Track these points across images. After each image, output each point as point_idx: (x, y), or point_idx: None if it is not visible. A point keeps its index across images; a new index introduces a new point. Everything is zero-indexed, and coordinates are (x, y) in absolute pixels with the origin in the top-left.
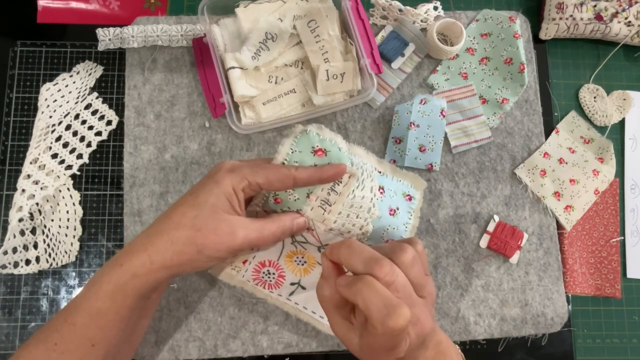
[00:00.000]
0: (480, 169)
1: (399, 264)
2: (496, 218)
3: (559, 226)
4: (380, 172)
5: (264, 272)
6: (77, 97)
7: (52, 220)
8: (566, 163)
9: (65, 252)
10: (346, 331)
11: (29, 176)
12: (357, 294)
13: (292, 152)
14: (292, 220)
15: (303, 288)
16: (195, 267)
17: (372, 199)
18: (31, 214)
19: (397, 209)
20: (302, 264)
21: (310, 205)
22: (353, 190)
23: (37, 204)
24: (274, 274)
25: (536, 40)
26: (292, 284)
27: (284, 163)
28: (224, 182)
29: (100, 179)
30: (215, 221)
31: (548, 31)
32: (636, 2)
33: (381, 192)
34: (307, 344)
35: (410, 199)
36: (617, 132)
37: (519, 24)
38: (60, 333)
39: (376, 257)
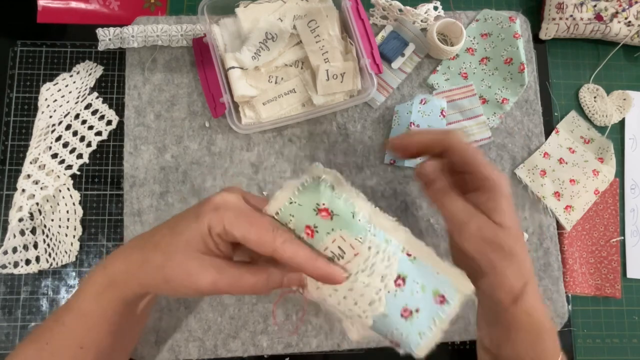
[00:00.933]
0: None
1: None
2: None
3: (559, 226)
4: (409, 256)
5: None
6: (77, 97)
7: (52, 220)
8: (566, 163)
9: (65, 252)
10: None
11: (29, 176)
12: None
13: (290, 204)
14: (284, 275)
15: None
16: (166, 294)
17: (379, 290)
18: (31, 214)
19: (417, 310)
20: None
21: (325, 244)
22: (356, 273)
23: (37, 203)
24: None
25: (536, 40)
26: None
27: (278, 213)
28: (203, 220)
29: (100, 179)
30: (184, 257)
31: (548, 31)
32: (636, 2)
33: (398, 285)
34: (307, 344)
35: (442, 302)
36: (617, 132)
37: (519, 24)
38: (51, 333)
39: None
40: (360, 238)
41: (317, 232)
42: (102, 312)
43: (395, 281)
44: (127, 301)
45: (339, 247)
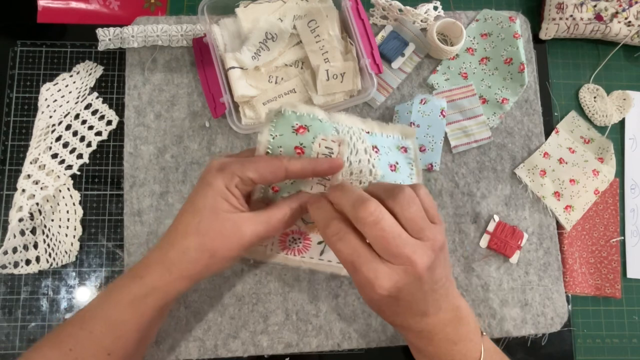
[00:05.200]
0: (480, 169)
1: (395, 204)
2: (496, 218)
3: (559, 226)
4: (368, 132)
5: (289, 240)
6: (77, 97)
7: (52, 220)
8: (566, 163)
9: (65, 252)
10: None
11: (29, 176)
12: (333, 195)
13: (273, 138)
14: (299, 200)
15: None
16: (213, 271)
17: (369, 160)
18: (31, 214)
19: (397, 163)
20: None
21: (309, 184)
22: (347, 158)
23: (37, 204)
24: (299, 239)
25: (536, 40)
26: (320, 242)
27: (268, 152)
28: (216, 182)
29: (100, 179)
30: (218, 223)
31: (548, 31)
32: (636, 2)
33: (376, 151)
34: (307, 344)
35: (405, 151)
36: (617, 132)
37: (519, 24)
38: (75, 339)
39: (363, 198)
40: (334, 132)
41: (304, 147)
42: (136, 321)
43: (373, 149)
44: (163, 306)
45: (326, 147)
